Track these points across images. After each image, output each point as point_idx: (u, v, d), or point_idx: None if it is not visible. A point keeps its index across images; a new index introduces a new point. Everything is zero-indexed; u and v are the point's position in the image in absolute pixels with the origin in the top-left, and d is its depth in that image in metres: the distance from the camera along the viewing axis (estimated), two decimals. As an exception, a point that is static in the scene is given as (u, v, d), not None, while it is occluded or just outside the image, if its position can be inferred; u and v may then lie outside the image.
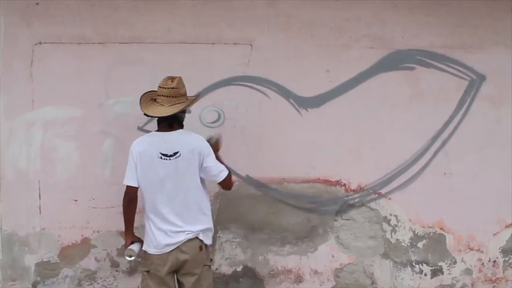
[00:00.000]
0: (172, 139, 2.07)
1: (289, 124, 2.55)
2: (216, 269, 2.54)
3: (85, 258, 2.52)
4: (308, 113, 2.56)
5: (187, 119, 2.20)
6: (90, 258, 2.52)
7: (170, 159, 2.05)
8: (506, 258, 2.67)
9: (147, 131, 2.28)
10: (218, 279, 2.53)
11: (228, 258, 2.58)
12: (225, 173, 2.14)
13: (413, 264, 2.63)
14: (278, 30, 2.53)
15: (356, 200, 2.60)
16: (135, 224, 2.17)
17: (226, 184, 2.17)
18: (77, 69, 2.47)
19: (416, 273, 2.64)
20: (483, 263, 2.66)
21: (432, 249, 2.63)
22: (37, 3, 2.45)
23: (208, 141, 2.19)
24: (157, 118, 2.12)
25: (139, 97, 2.13)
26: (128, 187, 2.09)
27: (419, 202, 2.61)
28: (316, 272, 2.59)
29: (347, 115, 2.57)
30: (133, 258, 2.10)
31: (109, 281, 2.54)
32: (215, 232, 2.45)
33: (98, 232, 2.53)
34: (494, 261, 2.67)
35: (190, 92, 2.19)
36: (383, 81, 2.58)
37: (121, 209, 2.12)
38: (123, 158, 2.14)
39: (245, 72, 2.52)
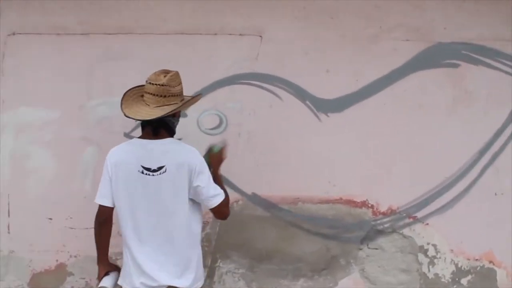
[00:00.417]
0: (157, 150, 1.81)
1: (305, 131, 2.39)
2: (215, 305, 2.38)
3: (60, 287, 2.36)
4: (328, 119, 2.39)
5: (182, 124, 2.00)
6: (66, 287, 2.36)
7: (153, 175, 1.79)
8: None
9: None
10: (217, 318, 2.37)
11: (229, 292, 2.41)
12: (220, 198, 1.85)
13: (456, 305, 2.45)
14: (293, 18, 2.35)
15: (385, 225, 2.41)
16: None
17: (219, 211, 1.88)
18: (56, 64, 2.33)
19: (460, 316, 2.45)
20: (542, 305, 2.45)
21: (479, 287, 2.43)
22: (10, -13, 2.35)
23: (209, 150, 1.98)
24: (140, 122, 1.87)
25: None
26: (100, 206, 1.86)
27: (463, 228, 2.42)
28: (336, 313, 2.42)
29: (375, 121, 2.39)
30: (106, 295, 1.89)
31: (88, 316, 2.39)
32: (214, 261, 2.34)
33: (75, 257, 2.35)
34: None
35: (187, 92, 1.98)
36: (421, 81, 2.39)
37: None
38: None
39: (253, 68, 2.35)
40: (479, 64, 2.38)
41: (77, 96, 2.31)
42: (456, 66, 2.38)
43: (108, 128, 2.31)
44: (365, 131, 2.37)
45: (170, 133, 1.87)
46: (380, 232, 2.40)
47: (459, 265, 2.41)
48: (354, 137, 2.38)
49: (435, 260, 2.41)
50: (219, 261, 2.36)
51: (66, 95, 2.31)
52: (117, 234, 1.92)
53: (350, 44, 2.35)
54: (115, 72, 2.30)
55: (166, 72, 1.83)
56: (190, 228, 1.82)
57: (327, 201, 2.38)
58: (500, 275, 2.41)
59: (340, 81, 2.36)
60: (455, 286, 2.41)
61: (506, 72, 2.39)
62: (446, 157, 2.39)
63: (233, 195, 2.30)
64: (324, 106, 2.36)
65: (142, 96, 1.84)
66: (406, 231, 2.40)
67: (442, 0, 2.34)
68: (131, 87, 1.91)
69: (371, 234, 2.40)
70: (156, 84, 1.78)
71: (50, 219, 2.34)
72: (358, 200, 2.39)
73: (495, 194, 2.40)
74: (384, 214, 2.40)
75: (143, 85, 1.86)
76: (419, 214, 2.40)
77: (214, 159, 1.95)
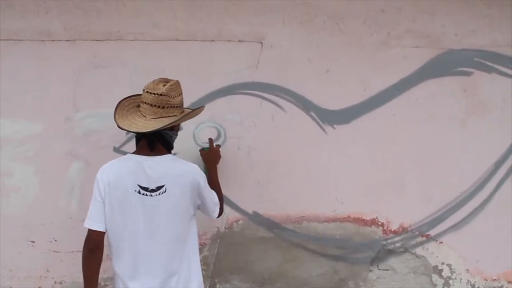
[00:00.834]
0: (155, 168, 1.70)
1: (310, 144, 2.33)
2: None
3: (43, 318, 2.25)
4: (334, 131, 2.33)
5: (177, 138, 1.92)
6: (50, 318, 2.26)
7: (151, 195, 1.68)
8: None
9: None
10: None
11: (229, 319, 2.31)
12: (217, 202, 1.88)
13: (473, 329, 2.38)
14: (296, 23, 2.28)
15: (397, 245, 2.35)
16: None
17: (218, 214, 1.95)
18: (39, 73, 2.26)
19: None
20: None
21: (497, 309, 2.38)
22: (-10, -10, 2.28)
23: (201, 152, 2.08)
24: (135, 135, 1.77)
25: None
26: (91, 231, 1.71)
27: (479, 247, 2.37)
28: None
29: (385, 133, 2.34)
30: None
31: None
32: (213, 286, 2.28)
33: (60, 283, 2.26)
34: None
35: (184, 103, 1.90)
36: (431, 90, 2.34)
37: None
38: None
39: (253, 77, 2.29)
40: (493, 71, 2.32)
41: (62, 107, 2.25)
42: (468, 74, 2.32)
43: (96, 142, 2.24)
44: (374, 144, 2.32)
45: (168, 148, 1.76)
46: (391, 252, 2.35)
47: (476, 286, 2.36)
48: (362, 150, 2.32)
49: (450, 281, 2.35)
50: (218, 285, 2.29)
51: (50, 107, 2.24)
52: (107, 257, 1.80)
53: (357, 51, 2.30)
54: (103, 82, 2.24)
55: (165, 81, 1.73)
56: (193, 258, 1.76)
57: (334, 220, 2.32)
58: (519, 296, 2.35)
59: (346, 91, 2.31)
60: (471, 309, 2.34)
61: (521, 80, 2.33)
62: (460, 171, 2.34)
63: (233, 215, 2.28)
64: (330, 118, 2.31)
65: (138, 106, 1.74)
66: (419, 250, 2.35)
67: (453, 5, 2.28)
68: (126, 96, 1.82)
69: (381, 254, 2.34)
70: (154, 94, 1.67)
71: (33, 242, 2.25)
72: (368, 218, 2.33)
73: (513, 209, 2.34)
74: (395, 233, 2.34)
75: (140, 94, 1.75)
76: (432, 232, 2.34)
77: (206, 157, 2.03)
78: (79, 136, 2.23)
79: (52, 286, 2.23)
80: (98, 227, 1.68)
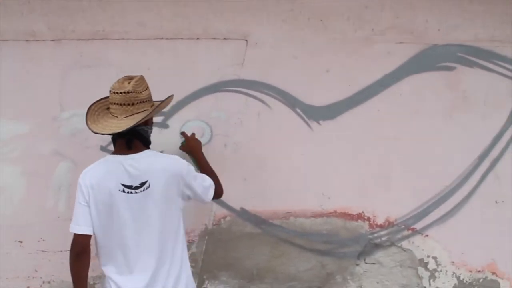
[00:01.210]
0: (136, 165, 1.70)
1: (296, 141, 2.32)
2: (203, 330, 2.29)
3: (32, 317, 2.22)
4: (320, 127, 2.33)
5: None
6: (39, 318, 2.23)
7: (136, 192, 1.68)
8: None
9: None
10: None
11: (218, 315, 2.31)
12: (212, 187, 1.87)
13: (459, 320, 2.40)
14: (280, 20, 2.27)
15: (383, 239, 2.36)
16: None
17: (216, 195, 1.92)
18: (24, 73, 2.23)
19: (463, 332, 2.40)
20: (548, 318, 2.41)
21: (482, 300, 2.41)
22: (-28, -10, 2.25)
23: (182, 145, 2.10)
24: (111, 136, 1.76)
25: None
26: (77, 236, 1.70)
27: (464, 239, 2.38)
28: (333, 333, 2.34)
29: (370, 128, 2.33)
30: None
31: None
32: (201, 283, 2.26)
33: (49, 282, 2.23)
34: None
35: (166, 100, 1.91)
36: (416, 85, 2.34)
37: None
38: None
39: (239, 74, 2.28)
40: (476, 66, 2.34)
41: (48, 107, 2.22)
42: (452, 69, 2.33)
43: (83, 141, 2.22)
44: (359, 139, 2.32)
45: (145, 143, 1.76)
46: (378, 246, 2.35)
47: (461, 278, 2.37)
48: (348, 145, 2.33)
49: (436, 274, 2.36)
50: (206, 282, 2.28)
51: (36, 106, 2.21)
52: (95, 256, 1.79)
53: (341, 48, 2.29)
54: (89, 81, 2.21)
55: (130, 78, 1.73)
56: (183, 244, 1.78)
57: (321, 215, 2.32)
58: (504, 286, 2.36)
59: (331, 87, 2.30)
60: (457, 301, 2.36)
61: (504, 75, 2.34)
62: (444, 165, 2.35)
63: (220, 211, 2.27)
64: (316, 114, 2.30)
65: (108, 108, 1.73)
66: (405, 243, 2.36)
67: (435, 1, 2.28)
68: (94, 101, 1.81)
69: (368, 248, 2.34)
70: (121, 93, 1.67)
71: (20, 242, 2.23)
72: (354, 213, 2.34)
73: (496, 202, 2.36)
74: (382, 227, 2.34)
75: (107, 97, 1.74)
76: (418, 226, 2.35)
77: (187, 148, 2.04)
78: (65, 135, 2.22)
79: (41, 285, 2.21)
80: (85, 230, 1.67)
